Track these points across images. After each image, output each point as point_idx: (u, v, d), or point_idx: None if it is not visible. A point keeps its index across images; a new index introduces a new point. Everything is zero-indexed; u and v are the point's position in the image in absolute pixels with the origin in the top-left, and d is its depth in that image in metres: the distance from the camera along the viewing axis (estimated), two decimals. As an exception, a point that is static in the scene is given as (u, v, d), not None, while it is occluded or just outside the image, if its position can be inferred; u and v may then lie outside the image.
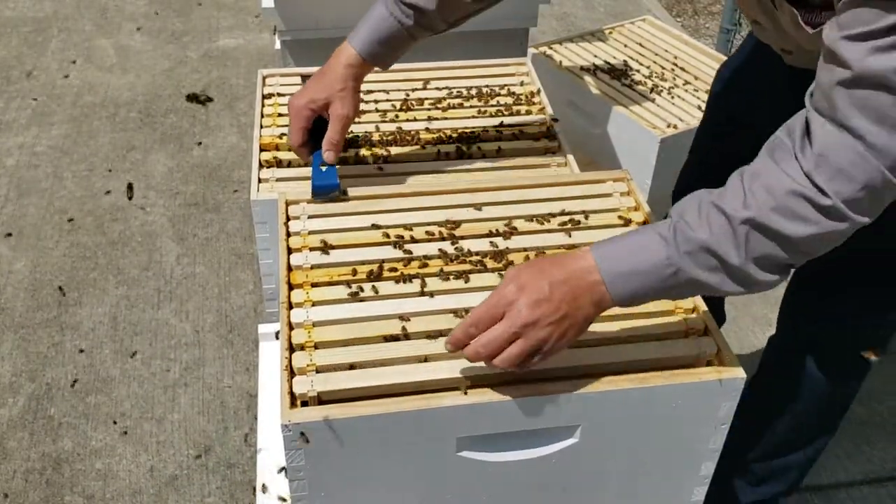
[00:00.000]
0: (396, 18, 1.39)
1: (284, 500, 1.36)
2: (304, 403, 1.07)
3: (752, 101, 1.62)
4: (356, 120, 1.65)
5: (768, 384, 1.66)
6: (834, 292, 1.51)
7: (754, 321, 2.52)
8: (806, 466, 1.80)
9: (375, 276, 1.23)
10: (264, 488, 1.38)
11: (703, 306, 1.20)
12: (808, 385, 1.62)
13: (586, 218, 1.35)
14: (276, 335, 1.56)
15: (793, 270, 1.03)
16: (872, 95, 0.91)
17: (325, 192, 1.36)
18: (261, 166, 1.55)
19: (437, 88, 1.78)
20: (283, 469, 1.37)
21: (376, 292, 1.20)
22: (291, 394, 1.07)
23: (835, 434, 1.76)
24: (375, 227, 1.31)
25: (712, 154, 1.75)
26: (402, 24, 1.39)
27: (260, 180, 1.52)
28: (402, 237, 1.29)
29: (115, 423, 2.20)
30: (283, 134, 1.60)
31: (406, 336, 1.14)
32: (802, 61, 1.37)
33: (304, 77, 1.74)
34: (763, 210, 0.96)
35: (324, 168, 1.40)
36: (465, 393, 1.06)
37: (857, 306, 1.49)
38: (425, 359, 1.11)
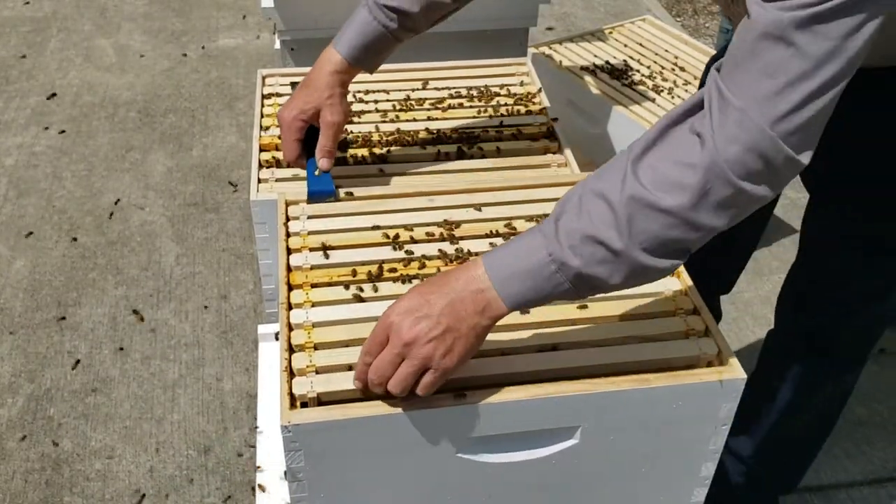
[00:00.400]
0: (380, 22, 1.39)
1: (284, 500, 1.36)
2: (304, 404, 1.07)
3: None
4: (356, 120, 1.66)
5: (765, 381, 1.66)
6: (831, 285, 1.52)
7: (755, 321, 2.52)
8: (804, 465, 1.80)
9: (375, 277, 1.22)
10: (264, 489, 1.38)
11: (704, 307, 1.20)
12: (805, 381, 1.62)
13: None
14: (276, 336, 1.56)
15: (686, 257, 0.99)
16: (770, 49, 0.88)
17: (321, 197, 1.37)
18: (260, 166, 1.55)
19: (437, 88, 1.78)
20: (278, 463, 1.37)
21: (376, 293, 1.20)
22: (291, 395, 1.06)
23: (832, 431, 1.76)
24: (375, 227, 1.31)
25: None
26: (386, 28, 1.39)
27: (259, 180, 1.52)
28: (402, 238, 1.29)
29: (114, 423, 2.20)
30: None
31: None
32: None
33: (295, 84, 1.73)
34: (644, 184, 0.92)
35: (318, 174, 1.41)
36: (460, 396, 1.06)
37: (854, 298, 1.50)
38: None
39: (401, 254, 1.26)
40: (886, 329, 1.61)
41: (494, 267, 0.98)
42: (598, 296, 1.18)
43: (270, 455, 1.42)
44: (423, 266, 1.25)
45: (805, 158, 0.92)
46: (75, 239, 2.77)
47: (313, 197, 1.37)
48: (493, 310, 0.99)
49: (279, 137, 1.58)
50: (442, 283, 1.00)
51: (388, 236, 1.29)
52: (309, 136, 1.44)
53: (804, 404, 1.66)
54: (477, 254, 1.26)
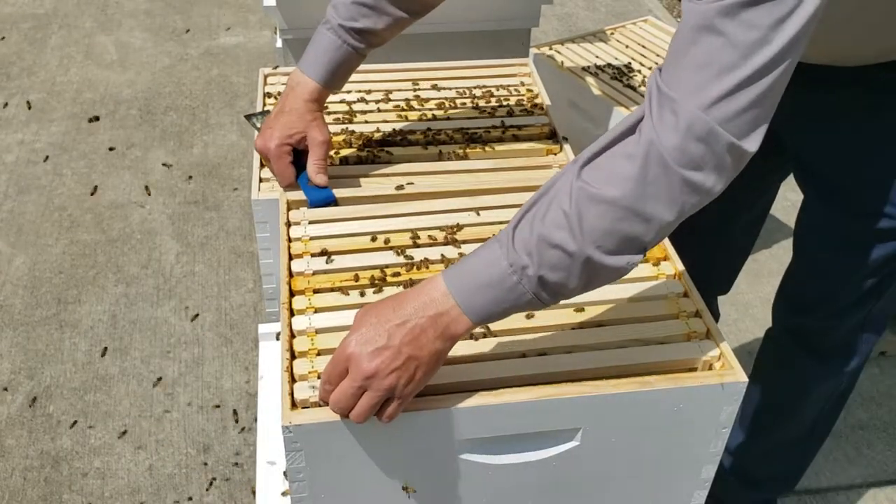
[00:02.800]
0: (349, 45, 1.39)
1: (283, 500, 1.35)
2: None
3: None
4: (357, 120, 1.65)
5: (762, 382, 1.66)
6: (824, 285, 1.52)
7: (755, 323, 2.52)
8: (802, 466, 1.80)
9: (378, 282, 1.22)
10: (263, 488, 1.38)
11: (706, 309, 1.20)
12: (801, 382, 1.63)
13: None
14: (277, 336, 1.56)
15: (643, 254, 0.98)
16: (701, 40, 0.88)
17: (323, 205, 1.38)
18: (262, 165, 1.55)
19: (439, 89, 1.77)
20: (278, 463, 1.37)
21: (378, 298, 1.19)
22: (292, 395, 1.06)
23: (830, 433, 1.77)
24: (377, 231, 1.31)
25: None
26: (355, 50, 1.41)
27: (261, 179, 1.52)
28: (404, 242, 1.29)
29: (113, 421, 2.20)
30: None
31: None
32: None
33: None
34: (588, 180, 0.92)
35: (311, 184, 1.41)
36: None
37: (847, 298, 1.50)
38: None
39: (403, 258, 1.26)
40: (883, 331, 1.61)
41: (455, 283, 0.97)
42: (598, 299, 1.19)
43: (270, 454, 1.42)
44: (425, 270, 1.24)
45: (750, 144, 0.91)
46: (75, 236, 2.77)
47: (315, 205, 1.37)
48: (454, 330, 0.98)
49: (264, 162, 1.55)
50: (399, 308, 0.98)
51: (389, 241, 1.29)
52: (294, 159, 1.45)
53: (801, 406, 1.66)
54: None
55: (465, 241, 1.30)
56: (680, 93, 0.89)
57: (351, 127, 1.63)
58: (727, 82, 0.88)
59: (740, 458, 1.77)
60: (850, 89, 1.33)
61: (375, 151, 1.58)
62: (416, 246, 1.29)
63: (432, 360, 0.99)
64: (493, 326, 1.15)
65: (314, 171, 1.41)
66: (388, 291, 1.20)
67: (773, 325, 1.68)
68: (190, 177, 3.06)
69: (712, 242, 1.75)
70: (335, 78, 1.43)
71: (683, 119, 0.89)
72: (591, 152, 0.96)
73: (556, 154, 1.62)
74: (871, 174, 1.37)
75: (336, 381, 0.99)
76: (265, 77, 1.79)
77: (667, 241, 1.31)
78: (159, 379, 2.31)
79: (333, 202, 1.38)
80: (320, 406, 1.04)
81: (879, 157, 1.35)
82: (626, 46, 2.64)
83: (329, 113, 1.67)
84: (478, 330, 1.14)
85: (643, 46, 2.63)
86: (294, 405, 1.05)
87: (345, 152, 1.57)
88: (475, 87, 1.78)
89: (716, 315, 2.17)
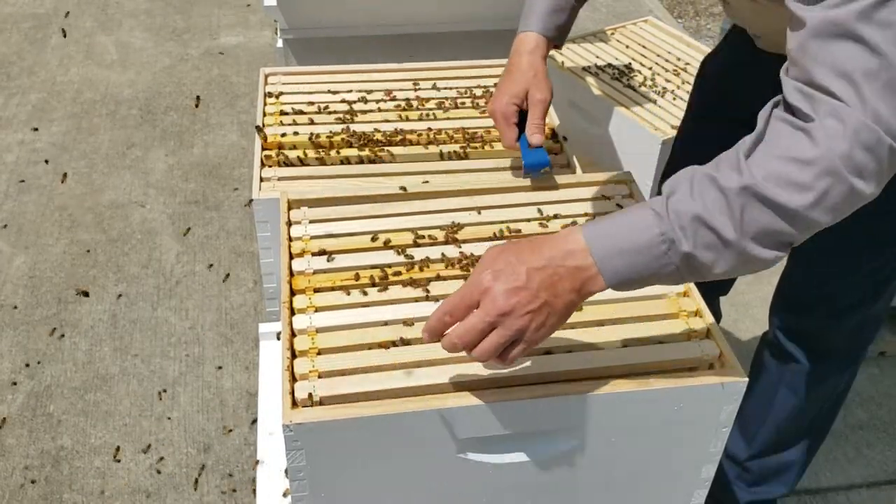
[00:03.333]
0: None
1: (284, 499, 1.36)
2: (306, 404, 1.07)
3: (736, 83, 1.62)
4: (357, 120, 1.66)
5: (760, 383, 1.66)
6: (820, 286, 1.52)
7: (754, 323, 2.52)
8: (803, 465, 1.80)
9: (378, 281, 1.22)
10: (264, 487, 1.38)
11: (706, 309, 1.20)
12: (798, 383, 1.63)
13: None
14: (278, 336, 1.56)
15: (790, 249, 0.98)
16: (836, 48, 0.89)
17: (537, 169, 1.40)
18: (262, 165, 1.55)
19: (439, 88, 1.78)
20: (278, 462, 1.37)
21: (379, 297, 1.20)
22: (293, 394, 1.06)
23: (828, 433, 1.77)
24: (377, 231, 1.31)
25: (699, 133, 1.75)
26: None
27: (262, 179, 1.52)
28: (405, 241, 1.29)
29: (114, 420, 2.20)
30: (286, 133, 1.60)
31: (409, 341, 1.13)
32: (771, 44, 1.37)
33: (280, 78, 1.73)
34: (758, 179, 0.91)
35: (531, 148, 1.43)
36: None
37: (844, 299, 1.50)
38: (428, 364, 1.11)
39: (403, 258, 1.26)
40: (880, 330, 1.61)
41: (598, 241, 0.95)
42: (598, 298, 1.19)
43: (271, 453, 1.42)
44: (426, 270, 1.24)
45: None
46: (75, 236, 2.77)
47: (529, 169, 1.40)
48: (590, 287, 0.96)
49: (281, 136, 1.58)
50: (539, 252, 0.96)
51: (390, 240, 1.29)
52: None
53: (799, 406, 1.66)
54: (480, 257, 1.26)
55: (465, 241, 1.30)
56: (843, 99, 0.89)
57: (352, 127, 1.63)
58: (876, 86, 0.88)
59: (739, 459, 1.77)
60: None
61: (376, 151, 1.58)
62: (417, 245, 1.29)
63: (565, 310, 0.97)
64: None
65: (530, 130, 1.43)
66: (390, 291, 1.20)
67: (769, 326, 1.68)
68: (190, 177, 3.06)
69: None
70: (556, 29, 1.48)
71: (850, 126, 0.88)
72: (755, 137, 0.95)
73: (556, 154, 1.62)
74: None
75: (461, 314, 0.96)
76: (266, 77, 1.79)
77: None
78: (159, 379, 2.31)
79: (548, 167, 1.39)
80: (432, 340, 1.00)
81: None
82: (627, 47, 2.64)
83: (330, 112, 1.67)
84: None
85: (643, 47, 2.63)
86: (295, 404, 1.06)
87: (345, 152, 1.57)
88: (475, 87, 1.78)
89: (717, 315, 2.17)
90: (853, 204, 0.94)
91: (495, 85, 1.79)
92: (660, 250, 0.94)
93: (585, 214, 1.36)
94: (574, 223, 1.34)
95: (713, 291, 2.00)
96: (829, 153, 0.89)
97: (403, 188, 1.40)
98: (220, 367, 2.35)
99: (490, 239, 1.30)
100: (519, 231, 1.32)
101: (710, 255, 0.94)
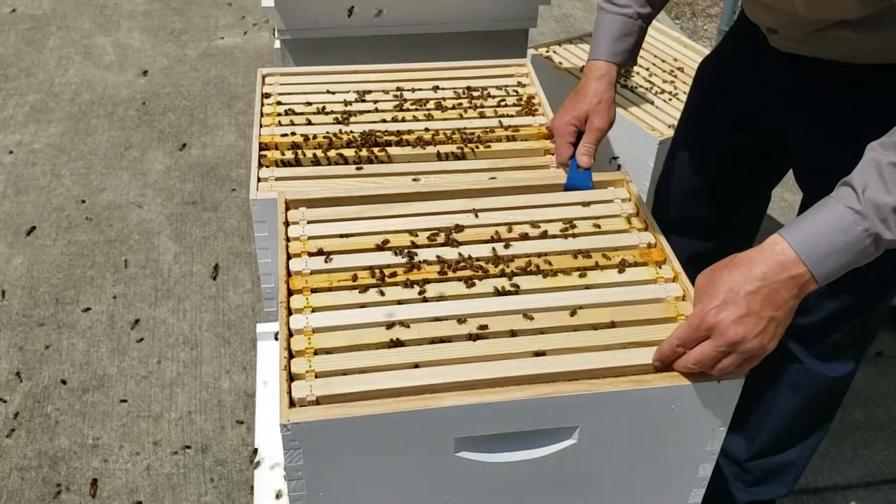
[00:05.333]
0: (627, 15, 1.51)
1: (281, 499, 1.36)
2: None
3: (735, 86, 1.62)
4: (355, 120, 1.66)
5: (762, 380, 1.66)
6: (831, 283, 1.51)
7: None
8: (801, 465, 1.80)
9: (375, 282, 1.22)
10: (261, 488, 1.38)
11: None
12: (802, 379, 1.63)
13: (591, 224, 1.35)
14: (275, 336, 1.56)
15: None
16: None
17: (576, 189, 1.45)
18: (260, 165, 1.55)
19: (437, 89, 1.78)
20: (276, 462, 1.37)
21: (376, 298, 1.20)
22: (290, 394, 1.07)
23: (827, 430, 1.77)
24: (375, 231, 1.31)
25: (696, 135, 1.75)
26: (632, 17, 1.51)
27: (259, 179, 1.52)
28: (403, 243, 1.29)
29: (111, 421, 2.20)
30: (284, 133, 1.60)
31: (405, 342, 1.13)
32: (784, 42, 1.38)
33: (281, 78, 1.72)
34: None
35: (580, 170, 1.49)
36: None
37: (841, 300, 1.50)
38: (425, 365, 1.11)
39: (401, 258, 1.26)
40: (879, 331, 1.61)
41: (806, 248, 1.02)
42: (597, 301, 1.20)
43: (268, 454, 1.42)
44: (423, 271, 1.25)
45: None
46: (73, 237, 2.77)
47: (570, 187, 1.45)
48: (807, 289, 1.04)
49: (281, 137, 1.58)
50: (749, 272, 1.03)
51: (387, 241, 1.29)
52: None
53: (799, 406, 1.66)
54: (478, 259, 1.26)
55: (463, 242, 1.30)
56: None
57: (350, 127, 1.63)
58: None
59: (739, 459, 1.78)
60: (863, 91, 1.33)
61: (374, 152, 1.58)
62: (415, 246, 1.29)
63: (788, 315, 1.05)
64: (492, 327, 1.15)
65: (580, 152, 1.50)
66: (387, 291, 1.20)
67: None
68: (188, 177, 3.06)
69: (707, 249, 1.74)
70: (624, 53, 1.54)
71: None
72: None
73: (553, 154, 1.62)
74: None
75: (692, 345, 1.06)
76: (263, 78, 1.79)
77: (666, 245, 1.32)
78: (157, 379, 2.31)
79: (589, 188, 1.45)
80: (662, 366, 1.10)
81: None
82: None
83: (327, 113, 1.67)
84: (475, 330, 1.15)
85: (641, 48, 2.63)
86: (292, 404, 1.06)
87: (343, 152, 1.58)
88: (473, 88, 1.79)
89: None
90: None
91: (494, 86, 1.80)
92: (865, 244, 1.01)
93: (584, 217, 1.36)
94: (572, 225, 1.34)
95: None
96: None
97: (417, 179, 1.38)
98: (217, 368, 2.35)
99: (488, 241, 1.30)
100: (516, 234, 1.32)
101: None
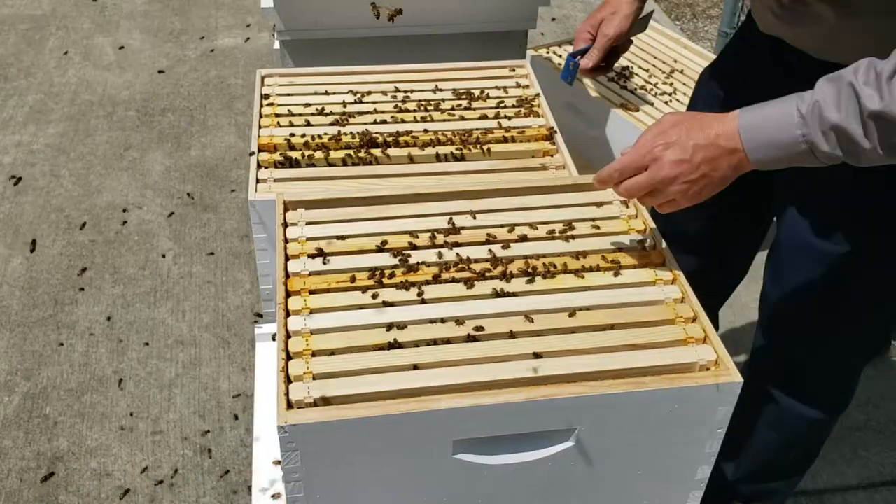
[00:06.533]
0: None
1: (279, 500, 1.35)
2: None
3: (739, 91, 1.61)
4: (353, 121, 1.65)
5: (742, 417, 1.64)
6: (813, 309, 1.48)
7: (753, 326, 2.52)
8: (792, 486, 1.79)
9: (374, 284, 1.22)
10: (260, 489, 1.38)
11: (703, 314, 1.20)
12: (780, 420, 1.60)
13: (590, 226, 1.35)
14: (273, 337, 1.56)
15: None
16: None
17: (564, 79, 1.68)
18: (259, 166, 1.55)
19: (437, 90, 1.78)
20: (277, 461, 1.37)
21: (374, 300, 1.20)
22: (287, 396, 1.06)
23: (815, 459, 1.76)
24: (374, 233, 1.31)
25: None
26: None
27: (258, 180, 1.52)
28: (401, 244, 1.29)
29: (110, 422, 2.20)
30: (283, 134, 1.60)
31: (404, 344, 1.13)
32: (777, 27, 1.36)
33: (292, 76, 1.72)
34: (894, 105, 0.99)
35: (573, 67, 1.65)
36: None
37: (836, 321, 1.47)
38: (423, 367, 1.11)
39: (398, 260, 1.26)
40: (860, 377, 1.58)
41: (749, 132, 1.08)
42: (595, 303, 1.20)
43: (266, 455, 1.42)
44: (421, 273, 1.24)
45: None
46: (72, 237, 2.77)
47: (563, 78, 1.68)
48: (743, 167, 1.11)
49: (289, 136, 1.58)
50: (704, 129, 1.11)
51: (386, 242, 1.29)
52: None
53: (780, 443, 1.64)
54: (476, 260, 1.26)
55: (462, 244, 1.30)
56: None
57: (348, 128, 1.63)
58: None
59: (727, 479, 1.76)
60: None
61: (373, 153, 1.58)
62: (413, 247, 1.29)
63: (720, 182, 1.13)
64: (490, 329, 1.15)
65: (585, 56, 1.62)
66: (384, 293, 1.20)
67: (756, 355, 1.64)
68: (187, 178, 3.06)
69: (710, 263, 1.72)
70: None
71: None
72: (892, 67, 1.01)
73: (552, 155, 1.62)
74: (848, 193, 1.34)
75: (631, 173, 1.15)
76: (263, 78, 1.79)
77: (665, 248, 1.31)
78: (156, 380, 2.31)
79: (566, 81, 1.68)
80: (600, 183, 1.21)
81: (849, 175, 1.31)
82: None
83: (326, 114, 1.67)
84: (473, 332, 1.14)
85: (641, 49, 2.64)
86: (290, 405, 1.06)
87: (342, 154, 1.57)
88: (473, 89, 1.78)
89: (715, 325, 2.15)
90: None
91: (493, 87, 1.80)
92: (801, 148, 1.06)
93: (582, 219, 1.36)
94: (571, 227, 1.34)
95: (711, 303, 1.98)
96: None
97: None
98: (216, 369, 2.35)
99: (486, 242, 1.30)
100: (514, 235, 1.32)
101: (847, 156, 1.06)
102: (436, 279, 1.23)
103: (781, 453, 1.68)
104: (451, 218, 1.34)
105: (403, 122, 1.67)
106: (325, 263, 1.25)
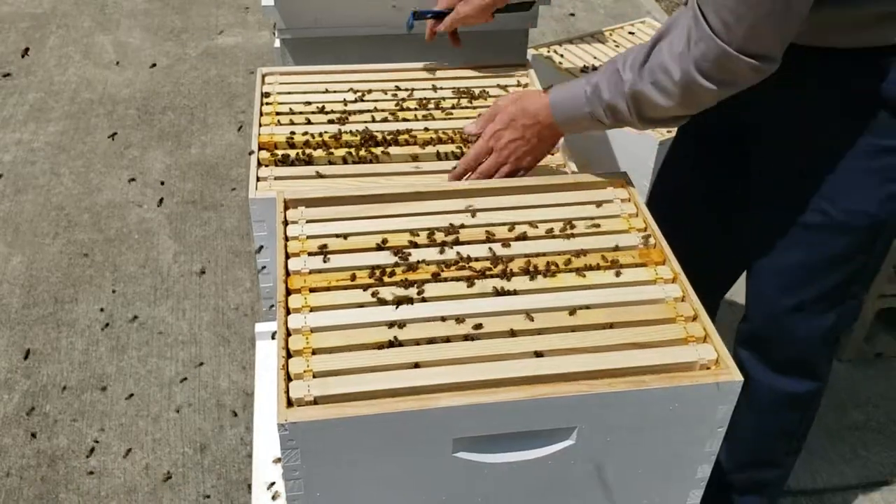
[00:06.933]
0: None
1: (279, 499, 1.36)
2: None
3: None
4: (354, 119, 1.65)
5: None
6: (765, 290, 1.53)
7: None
8: (783, 476, 1.79)
9: (374, 282, 1.22)
10: (260, 487, 1.38)
11: (704, 313, 1.20)
12: (761, 399, 1.61)
13: (590, 224, 1.35)
14: (273, 335, 1.56)
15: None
16: None
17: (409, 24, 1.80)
18: (259, 165, 1.55)
19: (437, 89, 1.78)
20: (277, 459, 1.37)
21: (374, 298, 1.20)
22: (288, 394, 1.06)
23: (804, 444, 1.75)
24: (374, 231, 1.31)
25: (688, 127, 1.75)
26: None
27: (258, 179, 1.52)
28: (401, 242, 1.29)
29: (110, 420, 2.20)
30: (283, 133, 1.60)
31: (404, 342, 1.13)
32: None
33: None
34: (646, 84, 1.26)
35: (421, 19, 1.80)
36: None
37: (787, 306, 1.50)
38: (423, 365, 1.11)
39: (399, 259, 1.26)
40: (879, 333, 1.60)
41: (556, 110, 1.39)
42: (596, 302, 1.20)
43: (267, 453, 1.42)
44: (421, 271, 1.24)
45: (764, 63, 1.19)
46: (72, 236, 2.77)
47: (406, 25, 1.80)
48: (559, 134, 1.44)
49: (290, 135, 1.58)
50: (527, 112, 1.41)
51: (386, 241, 1.29)
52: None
53: (758, 424, 1.64)
54: (477, 259, 1.26)
55: (462, 242, 1.30)
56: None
57: (349, 126, 1.63)
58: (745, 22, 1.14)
59: (720, 468, 1.76)
60: (811, 86, 1.36)
61: (373, 151, 1.58)
62: (414, 246, 1.29)
63: (549, 145, 1.46)
64: (490, 327, 1.15)
65: (443, 23, 1.77)
66: (386, 291, 1.20)
67: (742, 334, 1.66)
68: (188, 177, 3.06)
69: (715, 231, 1.73)
70: None
71: (712, 52, 1.18)
72: (644, 55, 1.27)
73: (553, 154, 1.62)
74: (814, 169, 1.39)
75: (481, 158, 1.45)
76: (263, 77, 1.79)
77: (665, 245, 1.31)
78: (156, 378, 2.31)
79: (406, 25, 1.80)
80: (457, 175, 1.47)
81: (822, 153, 1.37)
82: (624, 48, 2.64)
83: (327, 112, 1.67)
84: (472, 330, 1.14)
85: None
86: (290, 403, 1.06)
87: (342, 152, 1.57)
88: (474, 88, 1.78)
89: (713, 316, 2.15)
90: (715, 99, 1.26)
91: (493, 86, 1.80)
92: (591, 121, 1.37)
93: (582, 218, 1.36)
94: (571, 225, 1.34)
95: (710, 298, 1.98)
96: (689, 68, 1.20)
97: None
98: (216, 368, 2.35)
99: (486, 241, 1.30)
100: (515, 234, 1.32)
101: (625, 125, 1.37)
102: (436, 277, 1.23)
103: (766, 438, 1.68)
104: (451, 216, 1.34)
105: (405, 120, 1.67)
106: (325, 261, 1.25)
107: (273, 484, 1.37)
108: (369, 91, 1.75)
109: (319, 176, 1.53)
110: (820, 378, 1.62)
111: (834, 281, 1.47)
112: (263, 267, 1.53)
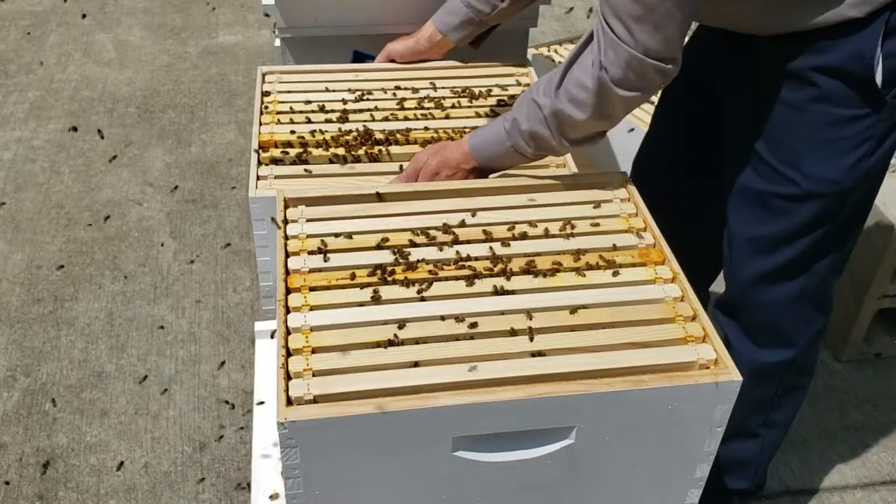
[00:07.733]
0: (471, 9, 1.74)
1: (278, 498, 1.36)
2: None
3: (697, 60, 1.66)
4: (354, 119, 1.65)
5: None
6: (735, 256, 1.54)
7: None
8: (762, 460, 1.78)
9: (374, 281, 1.22)
10: (259, 486, 1.38)
11: (703, 312, 1.20)
12: (739, 362, 1.61)
13: (589, 224, 1.35)
14: (273, 334, 1.56)
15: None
16: None
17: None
18: (259, 163, 1.55)
19: (437, 88, 1.78)
20: (274, 460, 1.37)
21: (374, 297, 1.20)
22: (287, 392, 1.06)
23: (789, 424, 1.75)
24: (374, 230, 1.31)
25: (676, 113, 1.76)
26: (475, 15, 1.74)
27: (258, 177, 1.52)
28: (401, 241, 1.29)
29: (109, 419, 2.20)
30: (283, 131, 1.60)
31: (403, 341, 1.13)
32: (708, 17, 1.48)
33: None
34: (563, 104, 1.30)
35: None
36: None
37: (755, 273, 1.51)
38: (423, 364, 1.11)
39: (399, 258, 1.26)
40: (825, 317, 1.60)
41: (477, 152, 1.42)
42: (595, 301, 1.20)
43: (266, 451, 1.42)
44: (421, 270, 1.24)
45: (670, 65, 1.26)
46: (72, 234, 2.77)
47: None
48: (483, 174, 1.45)
49: (290, 134, 1.58)
50: (447, 163, 1.43)
51: (386, 240, 1.29)
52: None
53: (743, 396, 1.64)
54: (477, 258, 1.27)
55: (462, 241, 1.30)
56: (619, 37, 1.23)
57: (349, 126, 1.63)
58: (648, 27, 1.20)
59: None
60: (764, 58, 1.39)
61: (373, 150, 1.58)
62: (413, 245, 1.29)
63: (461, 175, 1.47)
64: (488, 328, 1.15)
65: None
66: (383, 291, 1.20)
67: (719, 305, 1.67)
68: (188, 175, 3.06)
69: (696, 237, 1.73)
70: (455, 31, 1.78)
71: (622, 59, 1.23)
72: (560, 76, 1.31)
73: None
74: (779, 139, 1.41)
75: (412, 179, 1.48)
76: (263, 76, 1.79)
77: (665, 245, 1.31)
78: (156, 377, 2.31)
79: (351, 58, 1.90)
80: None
81: (785, 124, 1.39)
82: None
83: (327, 111, 1.67)
84: (471, 329, 1.15)
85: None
86: (289, 402, 1.06)
87: (342, 151, 1.58)
88: (474, 87, 1.78)
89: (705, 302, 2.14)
90: (627, 109, 1.32)
91: (494, 85, 1.80)
92: (515, 155, 1.41)
93: (582, 217, 1.36)
94: (571, 225, 1.34)
95: (702, 281, 1.97)
96: (605, 79, 1.25)
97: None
98: (216, 366, 2.35)
99: (486, 240, 1.30)
100: (514, 233, 1.32)
101: (548, 153, 1.42)
102: (436, 276, 1.23)
103: (740, 405, 1.67)
104: (451, 215, 1.35)
105: (405, 119, 1.67)
106: (325, 260, 1.25)
107: (273, 483, 1.38)
108: (369, 90, 1.75)
109: (319, 175, 1.53)
110: (793, 346, 1.62)
111: (798, 249, 1.48)
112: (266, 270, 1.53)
